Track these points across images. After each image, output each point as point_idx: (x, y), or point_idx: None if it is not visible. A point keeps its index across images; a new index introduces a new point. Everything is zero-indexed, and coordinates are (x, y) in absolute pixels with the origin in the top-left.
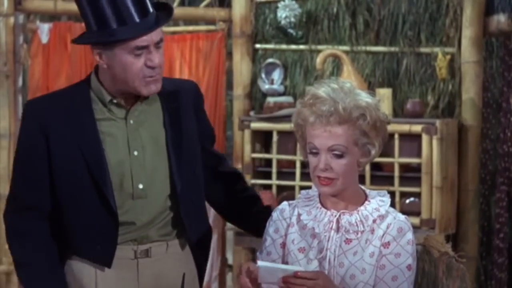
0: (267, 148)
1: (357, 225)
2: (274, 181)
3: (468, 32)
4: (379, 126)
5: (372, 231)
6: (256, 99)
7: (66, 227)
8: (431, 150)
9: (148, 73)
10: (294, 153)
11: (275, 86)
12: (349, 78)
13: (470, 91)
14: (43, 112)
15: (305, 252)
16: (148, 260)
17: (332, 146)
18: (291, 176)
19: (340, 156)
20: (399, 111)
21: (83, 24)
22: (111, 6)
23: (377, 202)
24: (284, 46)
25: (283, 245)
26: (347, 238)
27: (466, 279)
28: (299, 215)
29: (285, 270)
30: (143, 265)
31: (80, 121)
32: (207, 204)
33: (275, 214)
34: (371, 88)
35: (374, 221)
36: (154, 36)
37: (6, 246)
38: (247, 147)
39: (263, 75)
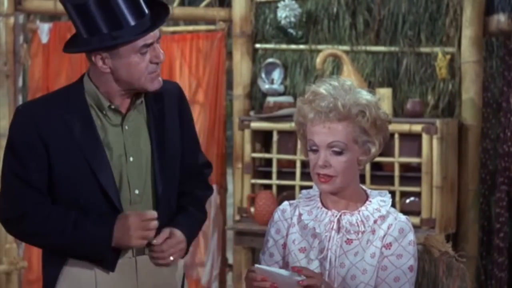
0: (267, 148)
1: (358, 225)
2: (274, 181)
3: (468, 32)
4: (379, 124)
5: (373, 231)
6: (256, 99)
7: None
8: (431, 150)
9: (153, 69)
10: (294, 153)
11: (275, 86)
12: (349, 77)
13: (470, 90)
14: (38, 118)
15: (305, 252)
16: (145, 257)
17: (331, 143)
18: (291, 175)
19: (339, 153)
20: (399, 111)
21: None
22: (103, 11)
23: (378, 202)
24: (284, 46)
25: (284, 245)
26: (348, 239)
27: (466, 279)
28: (300, 215)
29: (281, 275)
30: (141, 263)
31: (80, 127)
32: (208, 203)
33: (276, 215)
34: (371, 88)
35: (375, 221)
36: (156, 31)
37: (7, 246)
38: (247, 147)
39: (263, 75)
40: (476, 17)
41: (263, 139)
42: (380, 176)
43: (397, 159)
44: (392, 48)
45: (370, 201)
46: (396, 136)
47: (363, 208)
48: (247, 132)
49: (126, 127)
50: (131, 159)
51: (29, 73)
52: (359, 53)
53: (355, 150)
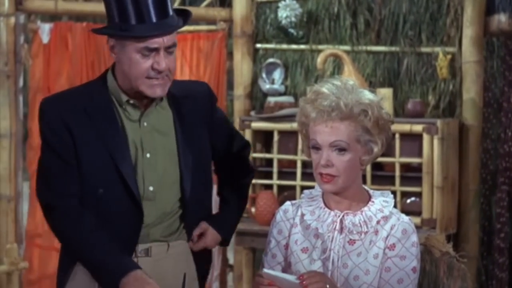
0: (267, 148)
1: (360, 225)
2: (275, 181)
3: (469, 32)
4: (382, 124)
5: (376, 232)
6: (256, 99)
7: None
8: (432, 150)
9: (153, 75)
10: (295, 153)
11: (275, 86)
12: (349, 78)
13: (471, 90)
14: (63, 108)
15: (308, 252)
16: (148, 259)
17: (334, 142)
18: (292, 176)
19: (342, 153)
20: (400, 111)
21: (84, 24)
22: (133, 3)
23: (381, 202)
24: (284, 46)
25: (287, 246)
26: (350, 239)
27: (467, 279)
28: (302, 215)
29: (288, 281)
30: (143, 264)
31: (103, 120)
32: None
33: (278, 215)
34: (371, 88)
35: (378, 222)
36: (166, 40)
37: (7, 246)
38: None
39: (263, 75)
40: (477, 17)
41: (263, 139)
42: (381, 176)
43: (397, 159)
44: (393, 48)
45: (373, 202)
46: (397, 136)
47: (365, 208)
48: (247, 132)
49: (145, 124)
50: (147, 155)
51: (30, 73)
52: (360, 53)
53: (358, 150)
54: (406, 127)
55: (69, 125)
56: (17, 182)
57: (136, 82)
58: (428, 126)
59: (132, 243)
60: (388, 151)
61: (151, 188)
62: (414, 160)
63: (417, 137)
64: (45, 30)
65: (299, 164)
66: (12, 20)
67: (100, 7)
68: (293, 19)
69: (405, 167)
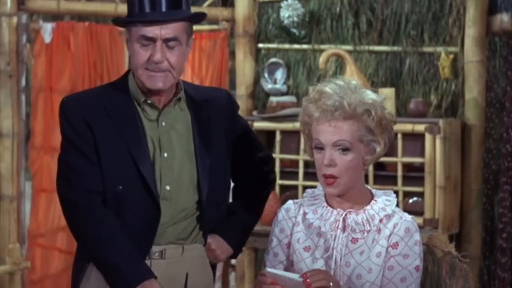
0: (270, 148)
1: (363, 224)
2: (277, 181)
3: (471, 32)
4: (384, 124)
5: (379, 230)
6: (259, 98)
7: None
8: (434, 150)
9: (150, 67)
10: (297, 153)
11: (278, 86)
12: (352, 77)
13: (473, 90)
14: (83, 106)
15: (310, 251)
16: (162, 262)
17: (337, 142)
18: (294, 175)
19: (345, 152)
20: (402, 111)
21: (86, 24)
22: None
23: (383, 201)
24: (287, 46)
25: (289, 245)
26: (353, 238)
27: (469, 279)
28: (304, 213)
29: (291, 279)
30: (157, 267)
31: (123, 119)
32: None
33: (280, 214)
34: (374, 87)
35: (380, 220)
36: (163, 31)
37: (10, 246)
38: None
39: (266, 75)
40: (479, 17)
41: (266, 139)
42: (383, 176)
43: (400, 159)
44: (395, 48)
45: (376, 201)
46: (399, 136)
47: (368, 207)
48: None
49: (163, 123)
50: (165, 154)
51: (32, 73)
52: (362, 53)
53: (360, 150)
54: (408, 127)
55: (90, 123)
56: (19, 181)
57: (137, 72)
58: (430, 126)
59: (148, 243)
60: (390, 151)
61: (167, 188)
62: (416, 160)
63: (419, 137)
64: (47, 29)
65: (301, 164)
66: (15, 19)
67: (102, 7)
68: (295, 18)
69: (407, 167)
